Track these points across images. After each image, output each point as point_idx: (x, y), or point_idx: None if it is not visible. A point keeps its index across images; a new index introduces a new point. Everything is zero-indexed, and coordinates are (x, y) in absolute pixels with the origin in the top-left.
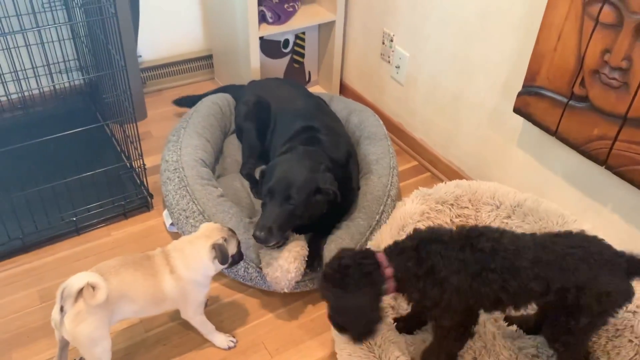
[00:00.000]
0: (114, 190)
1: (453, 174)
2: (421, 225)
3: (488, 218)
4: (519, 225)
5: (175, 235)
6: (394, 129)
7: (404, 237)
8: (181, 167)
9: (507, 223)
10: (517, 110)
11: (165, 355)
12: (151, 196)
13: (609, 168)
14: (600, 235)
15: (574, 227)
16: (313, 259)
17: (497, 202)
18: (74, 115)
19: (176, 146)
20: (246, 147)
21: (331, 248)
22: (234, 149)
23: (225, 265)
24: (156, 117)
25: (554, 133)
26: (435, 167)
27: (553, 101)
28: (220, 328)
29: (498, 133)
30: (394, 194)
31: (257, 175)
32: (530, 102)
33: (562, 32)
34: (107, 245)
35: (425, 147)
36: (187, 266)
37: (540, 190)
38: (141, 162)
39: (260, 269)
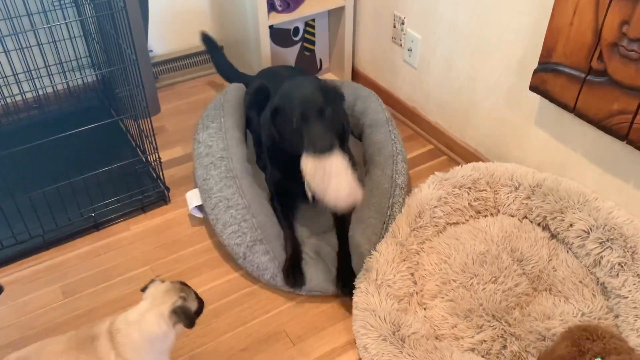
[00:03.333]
0: (131, 185)
1: (470, 156)
2: (439, 211)
3: (507, 200)
4: (539, 206)
5: (198, 221)
6: (409, 113)
7: (421, 223)
8: (230, 157)
9: (527, 204)
10: (533, 88)
11: (188, 347)
12: (168, 189)
13: (631, 143)
14: (623, 212)
15: (596, 206)
16: (348, 279)
17: (515, 184)
18: (88, 113)
19: (220, 134)
20: (255, 136)
21: (355, 261)
22: (250, 139)
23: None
24: (170, 111)
25: (572, 110)
26: (451, 150)
27: (570, 77)
28: (240, 318)
29: (515, 112)
30: (401, 182)
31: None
32: (546, 79)
33: (577, 5)
34: (127, 240)
35: (440, 130)
36: (136, 349)
37: (561, 168)
38: (157, 156)
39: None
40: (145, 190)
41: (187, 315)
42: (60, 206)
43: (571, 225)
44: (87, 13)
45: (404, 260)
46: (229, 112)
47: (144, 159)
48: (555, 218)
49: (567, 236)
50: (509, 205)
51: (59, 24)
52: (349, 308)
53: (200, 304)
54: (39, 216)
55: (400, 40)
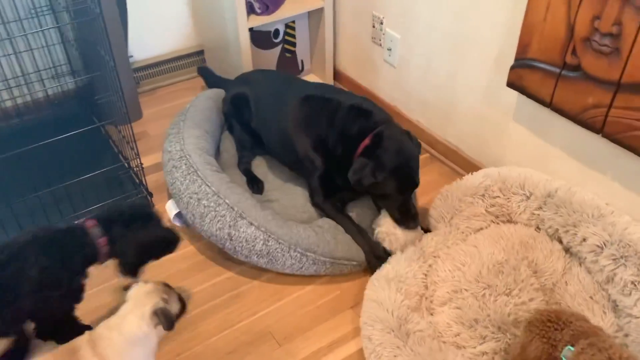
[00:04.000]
0: (113, 191)
1: (451, 153)
2: (457, 221)
3: (518, 209)
4: (551, 218)
5: (180, 228)
6: (390, 113)
7: (442, 231)
8: (187, 154)
9: (538, 215)
10: (510, 84)
11: (175, 351)
12: (151, 195)
13: (606, 136)
14: (602, 203)
15: (612, 220)
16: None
17: (527, 192)
18: (69, 120)
19: (178, 137)
20: (237, 142)
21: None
22: (229, 144)
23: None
24: (152, 117)
25: (548, 104)
26: (433, 148)
27: (546, 72)
28: (227, 321)
29: (494, 109)
30: None
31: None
32: (523, 75)
33: (550, 1)
34: None
35: (422, 128)
36: (119, 353)
37: (540, 163)
38: (139, 162)
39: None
40: (129, 197)
41: (168, 317)
42: (43, 215)
43: (584, 239)
44: (65, 21)
45: (418, 258)
46: (191, 115)
47: (126, 165)
48: (568, 232)
49: (580, 250)
50: (519, 214)
51: (37, 32)
52: (335, 307)
53: (183, 306)
54: (21, 225)
55: (380, 40)
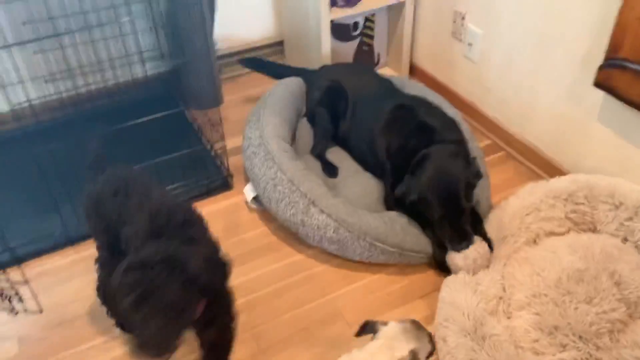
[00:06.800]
0: (197, 171)
1: (529, 152)
2: (530, 218)
3: (606, 218)
4: None
5: (257, 210)
6: (467, 108)
7: (511, 231)
8: (266, 141)
9: (628, 226)
10: (598, 84)
11: (249, 324)
12: (231, 176)
13: None
14: None
15: None
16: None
17: (616, 202)
18: (155, 103)
19: (257, 124)
20: (319, 130)
21: None
22: (305, 132)
23: None
24: (232, 103)
25: (639, 107)
26: (509, 146)
27: (638, 73)
28: (299, 299)
29: (577, 108)
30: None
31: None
32: (613, 75)
33: None
34: None
35: (499, 125)
36: None
37: (622, 166)
38: (223, 145)
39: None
40: (210, 176)
41: None
42: None
43: None
44: (160, 7)
45: (492, 262)
46: (270, 103)
47: (209, 147)
48: None
49: None
50: (607, 224)
51: (137, 19)
52: (405, 295)
53: (433, 346)
54: None
55: (461, 35)
